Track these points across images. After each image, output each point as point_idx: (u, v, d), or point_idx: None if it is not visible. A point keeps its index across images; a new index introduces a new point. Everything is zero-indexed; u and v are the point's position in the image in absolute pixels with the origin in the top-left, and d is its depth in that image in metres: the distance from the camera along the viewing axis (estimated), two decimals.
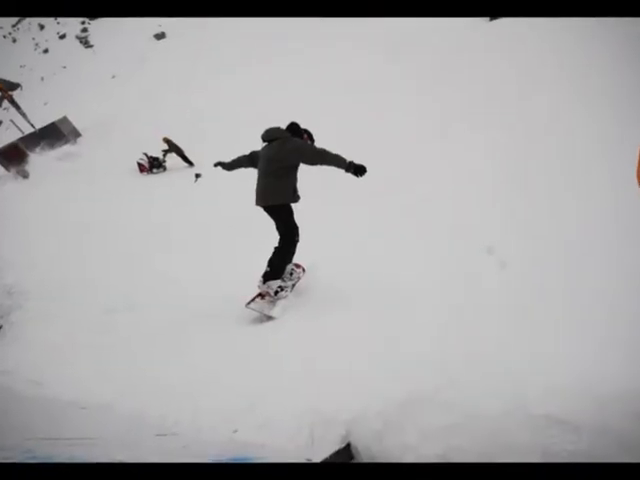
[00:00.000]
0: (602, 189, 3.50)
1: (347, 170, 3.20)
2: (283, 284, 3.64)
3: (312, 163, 3.33)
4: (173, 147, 12.26)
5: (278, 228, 3.56)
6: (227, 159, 3.99)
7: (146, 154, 12.47)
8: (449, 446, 1.53)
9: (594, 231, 3.02)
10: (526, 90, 6.67)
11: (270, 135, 3.49)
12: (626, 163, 2.44)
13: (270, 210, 3.52)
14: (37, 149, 12.62)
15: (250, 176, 3.74)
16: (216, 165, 4.02)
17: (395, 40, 12.20)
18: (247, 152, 3.84)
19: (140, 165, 12.49)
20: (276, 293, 3.55)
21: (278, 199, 3.44)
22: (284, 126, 3.54)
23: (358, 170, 3.18)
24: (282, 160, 3.37)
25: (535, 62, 7.42)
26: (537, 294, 2.59)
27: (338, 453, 1.74)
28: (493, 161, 5.04)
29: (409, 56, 10.95)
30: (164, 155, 12.50)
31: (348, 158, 3.22)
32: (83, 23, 27.19)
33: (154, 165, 12.57)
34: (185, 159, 12.38)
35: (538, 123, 5.53)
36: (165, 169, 12.61)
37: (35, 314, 4.65)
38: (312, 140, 3.66)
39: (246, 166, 3.87)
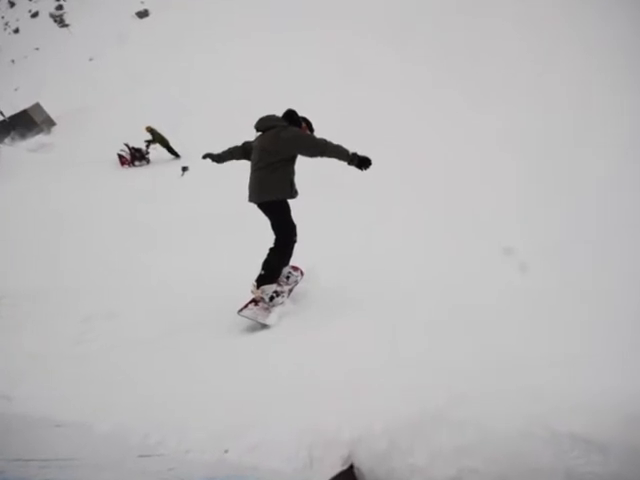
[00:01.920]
0: (627, 177, 3.50)
1: (350, 163, 3.19)
2: (279, 289, 3.64)
3: (311, 155, 3.30)
4: (157, 137, 12.26)
5: (273, 227, 3.54)
6: (217, 150, 3.99)
7: (127, 145, 12.47)
8: (462, 468, 1.52)
9: (617, 224, 3.01)
10: (541, 69, 6.71)
11: (264, 124, 3.47)
12: None
13: (265, 207, 3.50)
14: (7, 139, 12.66)
15: (243, 169, 3.73)
16: (205, 157, 4.00)
17: (401, 20, 12.26)
18: (239, 142, 3.83)
19: (121, 157, 12.50)
20: (271, 299, 3.54)
21: (273, 195, 3.42)
22: (280, 114, 3.52)
23: (362, 162, 3.15)
24: (278, 151, 3.34)
25: (550, 38, 7.47)
26: (559, 298, 2.59)
27: (340, 476, 1.73)
28: (507, 149, 5.05)
29: (415, 35, 10.98)
30: (147, 146, 12.50)
31: (351, 149, 3.20)
32: (58, 0, 27.21)
33: (136, 157, 12.58)
34: (170, 150, 12.40)
35: (554, 103, 5.55)
36: (148, 161, 12.63)
37: (6, 321, 4.65)
38: (311, 129, 3.64)
39: (238, 158, 3.86)
